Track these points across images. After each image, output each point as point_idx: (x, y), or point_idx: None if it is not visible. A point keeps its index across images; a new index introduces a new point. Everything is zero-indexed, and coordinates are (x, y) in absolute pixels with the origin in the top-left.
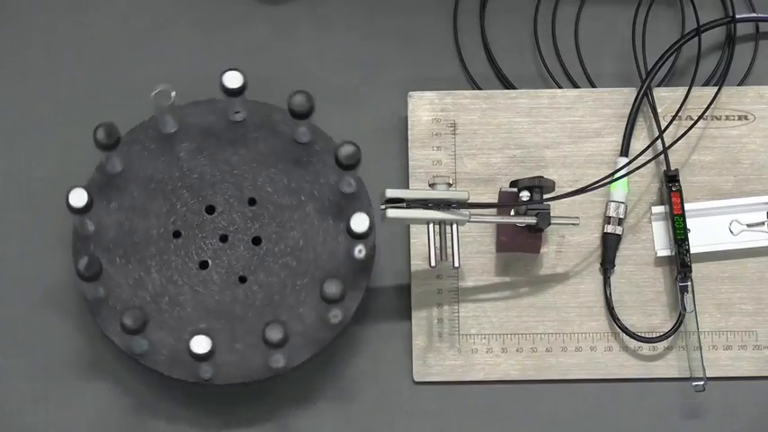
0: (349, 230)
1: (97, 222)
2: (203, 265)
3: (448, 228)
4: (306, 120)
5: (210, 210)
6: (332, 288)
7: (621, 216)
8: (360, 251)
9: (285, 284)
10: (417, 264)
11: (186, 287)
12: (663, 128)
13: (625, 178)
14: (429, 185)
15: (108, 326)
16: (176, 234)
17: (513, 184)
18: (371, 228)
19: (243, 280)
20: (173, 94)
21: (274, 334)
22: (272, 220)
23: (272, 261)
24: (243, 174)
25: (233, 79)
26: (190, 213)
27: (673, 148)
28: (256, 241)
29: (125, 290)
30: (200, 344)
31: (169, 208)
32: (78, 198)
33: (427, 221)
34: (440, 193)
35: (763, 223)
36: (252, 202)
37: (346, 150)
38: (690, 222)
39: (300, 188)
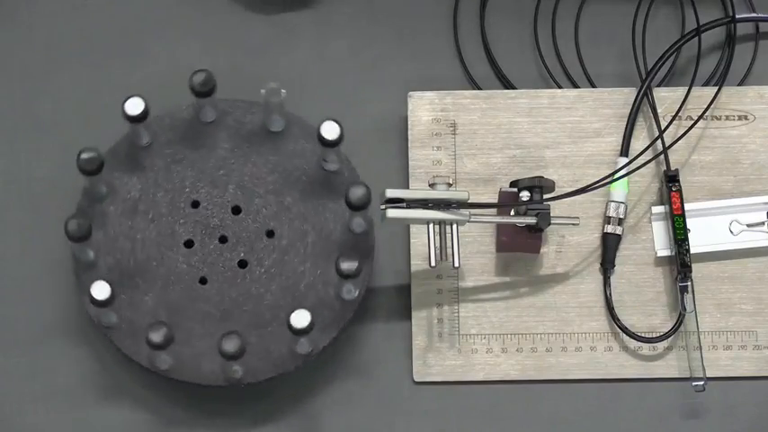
0: (288, 325)
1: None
2: (188, 243)
3: (448, 228)
4: (362, 211)
5: (236, 210)
6: (229, 345)
7: (621, 216)
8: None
9: (231, 312)
10: (417, 264)
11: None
12: (663, 128)
13: (625, 178)
14: (429, 185)
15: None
16: (195, 204)
17: (513, 184)
18: (311, 325)
19: (204, 281)
20: (283, 91)
21: (157, 336)
22: (270, 258)
23: (242, 284)
24: (285, 210)
25: (330, 131)
26: (216, 200)
27: (673, 148)
28: (242, 264)
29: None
30: (101, 290)
31: (201, 184)
32: (135, 106)
33: (427, 221)
34: (440, 193)
35: (763, 223)
36: (270, 234)
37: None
38: (690, 222)
39: (315, 252)
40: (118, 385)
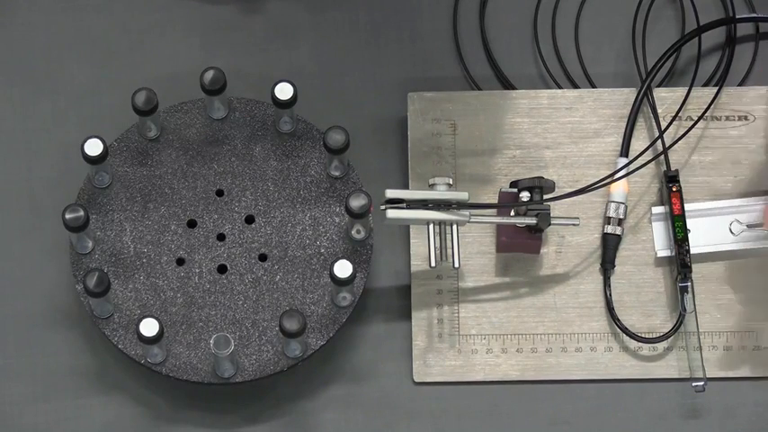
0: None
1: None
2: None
3: (448, 228)
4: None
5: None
6: (290, 323)
7: (621, 216)
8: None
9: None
10: (417, 264)
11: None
12: (663, 128)
13: (625, 179)
14: (429, 186)
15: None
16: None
17: (513, 184)
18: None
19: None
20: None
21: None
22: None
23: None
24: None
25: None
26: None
27: (673, 148)
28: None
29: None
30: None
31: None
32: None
33: (427, 222)
34: (440, 194)
35: (762, 224)
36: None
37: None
38: (690, 223)
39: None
40: (112, 380)
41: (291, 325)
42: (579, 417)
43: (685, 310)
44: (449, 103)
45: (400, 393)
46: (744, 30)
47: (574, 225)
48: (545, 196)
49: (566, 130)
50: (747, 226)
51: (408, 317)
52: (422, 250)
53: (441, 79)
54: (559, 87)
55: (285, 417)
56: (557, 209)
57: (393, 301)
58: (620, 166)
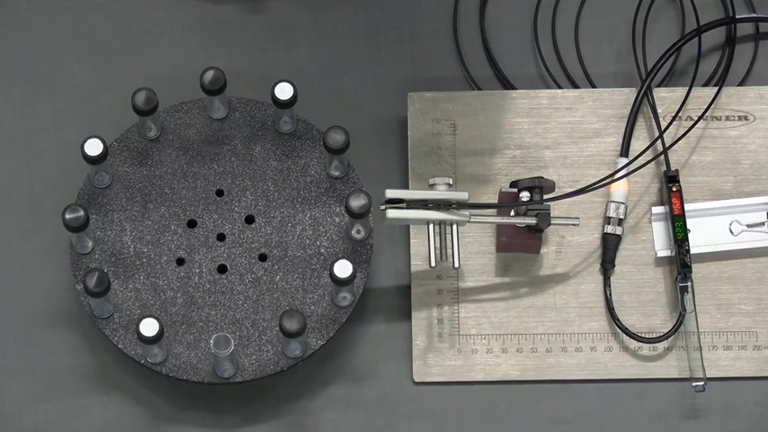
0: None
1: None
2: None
3: (448, 228)
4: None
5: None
6: (290, 323)
7: (621, 216)
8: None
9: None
10: (417, 264)
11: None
12: (663, 128)
13: (625, 179)
14: (429, 185)
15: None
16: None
17: (513, 184)
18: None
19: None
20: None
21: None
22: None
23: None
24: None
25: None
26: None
27: (673, 148)
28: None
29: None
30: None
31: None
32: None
33: (427, 222)
34: (440, 194)
35: (763, 223)
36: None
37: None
38: (690, 223)
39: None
40: (112, 380)
41: (291, 325)
42: (579, 417)
43: (685, 310)
44: (449, 103)
45: (400, 393)
46: (744, 30)
47: (574, 225)
48: (545, 196)
49: (566, 130)
50: (747, 226)
51: (408, 317)
52: (422, 250)
53: (441, 79)
54: (559, 87)
55: (285, 417)
56: (557, 209)
57: (393, 301)
58: (620, 166)
